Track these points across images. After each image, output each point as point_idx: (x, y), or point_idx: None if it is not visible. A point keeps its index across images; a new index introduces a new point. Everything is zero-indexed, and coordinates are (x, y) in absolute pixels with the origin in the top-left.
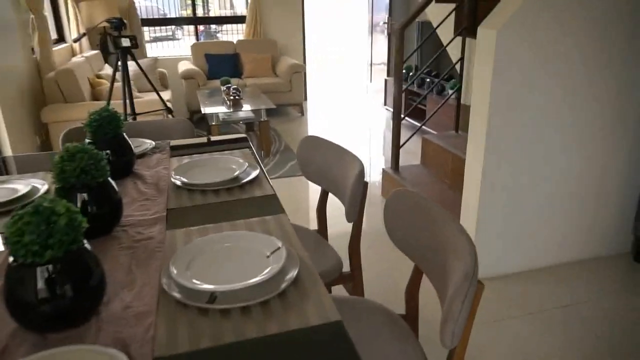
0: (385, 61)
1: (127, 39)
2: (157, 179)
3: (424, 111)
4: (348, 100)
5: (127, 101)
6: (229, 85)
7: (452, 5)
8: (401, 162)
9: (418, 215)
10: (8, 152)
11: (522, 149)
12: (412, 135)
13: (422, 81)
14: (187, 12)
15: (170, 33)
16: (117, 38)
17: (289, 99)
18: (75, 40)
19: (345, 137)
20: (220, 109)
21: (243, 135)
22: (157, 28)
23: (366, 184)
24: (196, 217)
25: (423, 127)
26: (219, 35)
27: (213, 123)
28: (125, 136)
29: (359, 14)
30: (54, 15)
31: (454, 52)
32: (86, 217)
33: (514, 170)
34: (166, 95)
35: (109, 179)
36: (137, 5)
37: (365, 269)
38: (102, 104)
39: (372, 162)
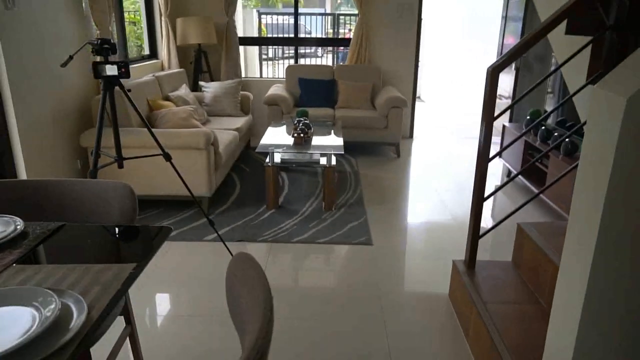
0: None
1: (114, 67)
2: None
3: (545, 174)
4: (461, 142)
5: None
6: (301, 119)
7: (586, 39)
8: (494, 247)
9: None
10: (22, 175)
11: None
12: (516, 211)
13: (548, 134)
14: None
15: (312, 50)
16: (99, 64)
17: (384, 137)
18: (62, 65)
19: (440, 194)
20: (280, 147)
21: (168, 226)
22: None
23: None
24: None
25: (541, 197)
26: None
27: (268, 163)
28: None
29: (490, 39)
30: (148, 30)
31: (584, 104)
32: None
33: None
34: (240, 121)
35: None
36: (274, 21)
37: None
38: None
39: (461, 240)
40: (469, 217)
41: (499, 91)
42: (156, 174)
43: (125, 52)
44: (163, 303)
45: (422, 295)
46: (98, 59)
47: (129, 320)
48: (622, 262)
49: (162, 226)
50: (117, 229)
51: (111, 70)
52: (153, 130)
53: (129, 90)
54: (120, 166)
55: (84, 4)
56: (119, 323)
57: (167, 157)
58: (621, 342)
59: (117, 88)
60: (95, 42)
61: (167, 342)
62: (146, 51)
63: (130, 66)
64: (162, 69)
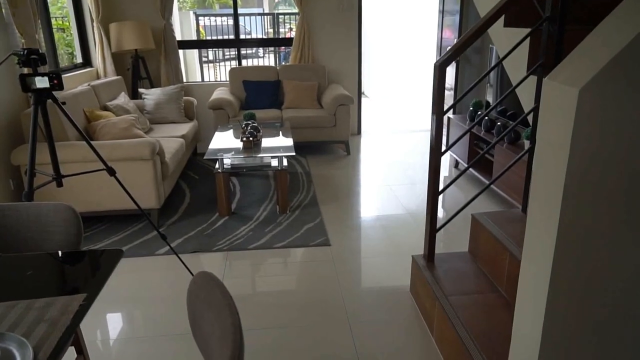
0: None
1: (45, 78)
2: None
3: (491, 163)
4: (408, 135)
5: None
6: (249, 122)
7: (524, 31)
8: (449, 238)
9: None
10: None
11: (625, 276)
12: (469, 202)
13: (491, 123)
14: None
15: (253, 50)
16: (27, 77)
17: (333, 136)
18: None
19: (393, 189)
20: (229, 151)
21: (119, 248)
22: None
23: None
24: None
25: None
26: None
27: (217, 169)
28: None
29: (429, 33)
30: (80, 37)
31: (526, 96)
32: None
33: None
34: (185, 128)
35: None
36: (212, 23)
37: None
38: (93, 144)
39: (417, 233)
40: (425, 211)
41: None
42: (100, 189)
43: (56, 61)
44: (117, 325)
45: (383, 292)
46: (26, 70)
47: (81, 351)
48: (584, 250)
49: (112, 249)
50: (60, 256)
51: (42, 82)
52: (93, 142)
53: (64, 103)
54: (60, 185)
55: (4, 10)
56: (70, 354)
57: (111, 172)
58: (586, 328)
59: (49, 100)
60: (21, 52)
61: None
62: (79, 59)
63: (62, 76)
64: (98, 77)
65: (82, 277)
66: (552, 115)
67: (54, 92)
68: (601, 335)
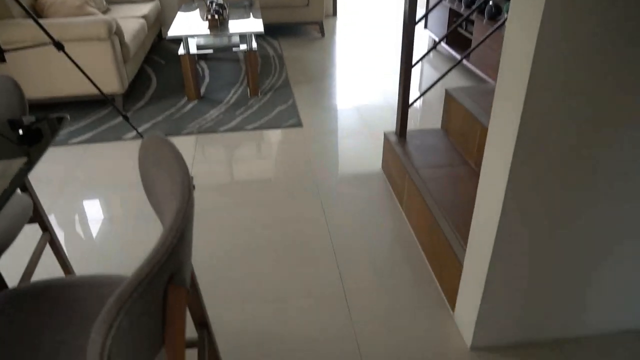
0: None
1: None
2: None
3: (470, 41)
4: (387, 16)
5: None
6: None
7: None
8: (424, 118)
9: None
10: None
11: (579, 164)
12: (443, 76)
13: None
14: None
15: None
16: None
17: (306, 16)
18: None
19: (369, 72)
20: (194, 32)
21: (63, 115)
22: None
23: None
24: None
25: (467, 65)
26: None
27: (181, 52)
28: None
29: None
30: None
31: None
32: None
33: (561, 192)
34: (146, 8)
35: None
36: None
37: None
38: (42, 22)
39: (391, 115)
40: (398, 86)
41: None
42: (55, 72)
43: None
44: (87, 208)
45: (355, 171)
46: None
47: (45, 227)
48: (549, 123)
49: (56, 116)
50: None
51: None
52: (42, 20)
53: None
54: (2, 60)
55: None
56: (35, 232)
57: (59, 46)
58: (547, 196)
59: None
60: None
61: (95, 245)
62: None
63: None
64: None
65: (23, 143)
66: None
67: None
68: (559, 206)
